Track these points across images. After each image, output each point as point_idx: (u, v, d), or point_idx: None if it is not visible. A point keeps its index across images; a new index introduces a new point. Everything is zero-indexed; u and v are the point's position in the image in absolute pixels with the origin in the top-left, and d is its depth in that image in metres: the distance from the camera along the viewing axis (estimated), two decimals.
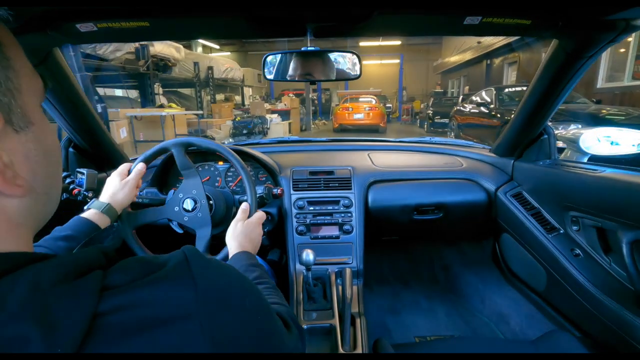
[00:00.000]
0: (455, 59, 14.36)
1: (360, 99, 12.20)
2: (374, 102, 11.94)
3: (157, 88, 7.18)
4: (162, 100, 7.35)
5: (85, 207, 0.81)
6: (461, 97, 8.45)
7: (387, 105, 14.38)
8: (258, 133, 7.57)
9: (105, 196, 0.84)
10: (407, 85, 18.86)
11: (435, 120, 10.34)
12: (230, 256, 0.75)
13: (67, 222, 0.75)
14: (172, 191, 0.97)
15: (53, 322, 0.25)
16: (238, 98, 12.99)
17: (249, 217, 0.86)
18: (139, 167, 0.90)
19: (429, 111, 10.90)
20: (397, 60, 18.55)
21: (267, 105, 9.97)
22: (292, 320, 0.50)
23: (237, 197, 1.05)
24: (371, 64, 20.10)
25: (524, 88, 5.73)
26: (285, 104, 10.10)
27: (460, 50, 13.58)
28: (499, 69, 10.71)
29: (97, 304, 0.27)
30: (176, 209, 0.91)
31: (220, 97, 12.51)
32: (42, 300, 0.25)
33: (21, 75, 0.32)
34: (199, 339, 0.28)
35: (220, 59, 10.75)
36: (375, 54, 19.22)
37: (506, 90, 5.84)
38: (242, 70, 12.11)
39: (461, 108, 7.26)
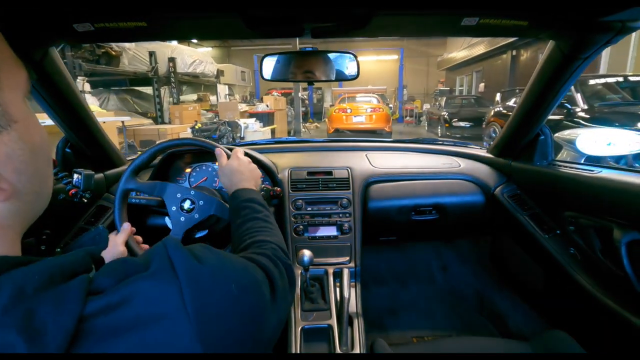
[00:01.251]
0: (464, 53, 12.57)
1: (359, 98, 10.20)
2: (375, 101, 9.98)
3: (82, 84, 5.08)
4: (92, 100, 5.25)
5: None
6: (498, 94, 6.50)
7: (389, 105, 12.41)
8: (227, 144, 5.50)
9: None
10: (407, 83, 17.04)
11: (454, 124, 8.42)
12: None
13: None
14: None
15: (38, 328, 0.24)
16: (215, 99, 10.90)
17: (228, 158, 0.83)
18: (125, 227, 0.83)
19: (444, 113, 8.98)
20: (395, 56, 16.77)
21: (242, 107, 7.85)
22: (279, 261, 0.48)
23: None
24: (367, 60, 18.22)
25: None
26: (267, 105, 7.97)
27: (470, 43, 11.76)
28: (530, 61, 8.81)
29: (82, 308, 0.26)
30: (174, 208, 0.87)
31: (192, 97, 10.40)
32: (26, 306, 0.25)
33: (1, 69, 0.30)
34: (186, 333, 0.28)
35: (186, 50, 8.61)
36: (371, 48, 17.44)
37: (596, 81, 3.87)
38: (216, 64, 9.99)
39: (503, 110, 5.36)
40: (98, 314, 0.26)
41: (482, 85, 11.50)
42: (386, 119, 8.99)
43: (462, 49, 12.74)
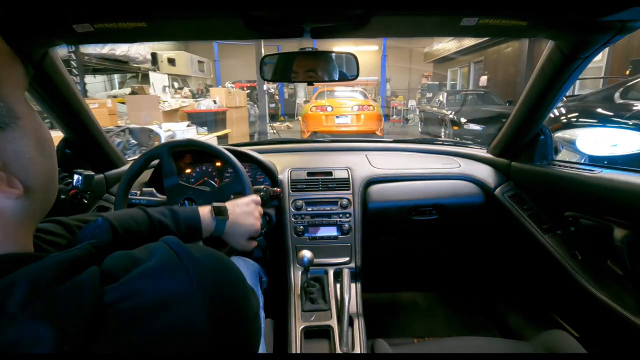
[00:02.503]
0: (457, 43, 10.81)
1: (338, 93, 8.05)
2: (361, 97, 7.91)
3: None
4: None
5: (204, 202, 0.84)
6: (574, 90, 4.54)
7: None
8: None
9: (233, 215, 0.76)
10: (389, 77, 15.17)
11: (465, 127, 6.54)
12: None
13: (185, 209, 0.72)
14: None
15: (59, 317, 0.24)
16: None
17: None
18: (257, 198, 0.84)
19: (448, 112, 7.09)
20: (375, 47, 14.83)
21: (169, 103, 5.46)
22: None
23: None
24: (344, 51, 16.15)
25: None
26: (215, 101, 5.60)
27: None
28: None
29: (100, 297, 0.27)
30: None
31: (123, 89, 7.88)
32: (44, 300, 0.25)
33: (1, 65, 0.29)
34: (201, 317, 0.29)
35: None
36: (348, 38, 15.41)
37: None
38: (150, 47, 7.49)
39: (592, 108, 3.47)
40: (116, 302, 0.27)
41: (484, 78, 9.74)
42: (377, 118, 6.97)
43: (454, 39, 11.01)
